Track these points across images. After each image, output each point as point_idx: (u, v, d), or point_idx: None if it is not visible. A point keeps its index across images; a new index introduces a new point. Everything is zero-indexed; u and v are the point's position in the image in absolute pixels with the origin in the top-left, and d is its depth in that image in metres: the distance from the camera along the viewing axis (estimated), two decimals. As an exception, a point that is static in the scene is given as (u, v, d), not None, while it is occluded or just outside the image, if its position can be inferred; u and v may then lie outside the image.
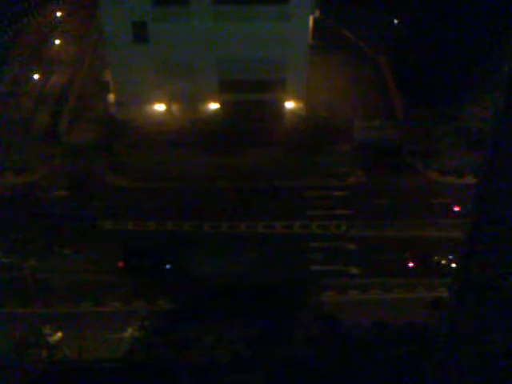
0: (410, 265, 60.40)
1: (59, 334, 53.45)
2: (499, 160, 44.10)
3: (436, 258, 60.06)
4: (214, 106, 76.95)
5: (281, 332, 56.08)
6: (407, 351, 54.12)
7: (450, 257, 59.26)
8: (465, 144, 69.81)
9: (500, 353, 49.85)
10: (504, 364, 50.80)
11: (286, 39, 72.39)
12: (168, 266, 60.71)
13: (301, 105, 76.73)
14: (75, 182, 68.39)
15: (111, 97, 76.24)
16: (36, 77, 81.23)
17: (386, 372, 52.82)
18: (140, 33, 71.71)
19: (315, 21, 72.83)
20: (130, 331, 54.78)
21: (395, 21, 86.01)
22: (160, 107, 76.41)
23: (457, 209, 63.60)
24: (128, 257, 60.66)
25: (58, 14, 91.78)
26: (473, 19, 75.70)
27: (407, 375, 52.06)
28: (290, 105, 76.88)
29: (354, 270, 60.63)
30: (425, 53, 77.48)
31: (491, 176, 45.05)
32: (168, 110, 76.53)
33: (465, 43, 75.24)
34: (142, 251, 61.67)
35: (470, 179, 65.42)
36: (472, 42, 74.11)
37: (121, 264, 60.27)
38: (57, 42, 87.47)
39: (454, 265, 57.67)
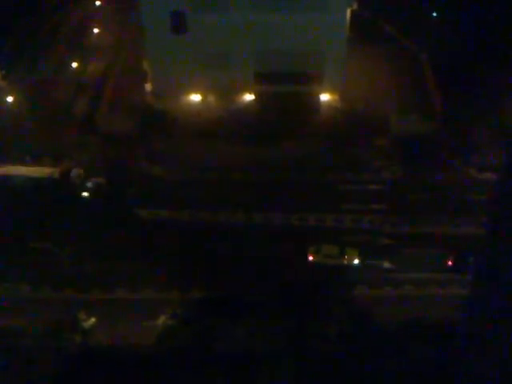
0: (449, 263, 59.94)
1: (93, 320, 54.27)
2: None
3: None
4: (250, 97, 76.99)
5: (313, 326, 56.04)
6: (441, 350, 53.77)
7: None
8: (504, 140, 68.67)
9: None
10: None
11: (323, 31, 72.04)
12: None
13: (337, 97, 76.35)
14: (112, 170, 69.14)
15: (149, 86, 76.73)
16: (74, 65, 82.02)
17: (418, 371, 52.58)
18: (178, 23, 71.91)
19: (353, 13, 72.26)
20: (162, 319, 55.34)
21: (434, 14, 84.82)
22: (197, 98, 76.68)
23: None
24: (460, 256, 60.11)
25: (97, 2, 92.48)
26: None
27: (440, 375, 51.79)
28: (326, 97, 76.55)
29: (388, 265, 60.36)
30: (466, 47, 76.34)
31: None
32: (205, 101, 76.77)
33: (507, 37, 74.00)
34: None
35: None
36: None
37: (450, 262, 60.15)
38: (95, 30, 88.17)
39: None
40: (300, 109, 75.23)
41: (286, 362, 52.76)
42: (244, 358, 53.16)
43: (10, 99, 76.71)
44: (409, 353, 53.82)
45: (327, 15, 71.36)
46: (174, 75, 74.25)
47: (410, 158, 69.68)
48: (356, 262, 60.68)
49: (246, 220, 64.73)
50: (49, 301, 56.55)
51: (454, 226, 63.11)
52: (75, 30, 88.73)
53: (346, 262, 60.60)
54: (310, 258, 61.08)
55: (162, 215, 65.00)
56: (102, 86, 79.68)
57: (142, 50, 75.65)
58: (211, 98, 77.06)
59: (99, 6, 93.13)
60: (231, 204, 65.62)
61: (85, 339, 52.09)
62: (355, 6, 72.13)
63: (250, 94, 76.86)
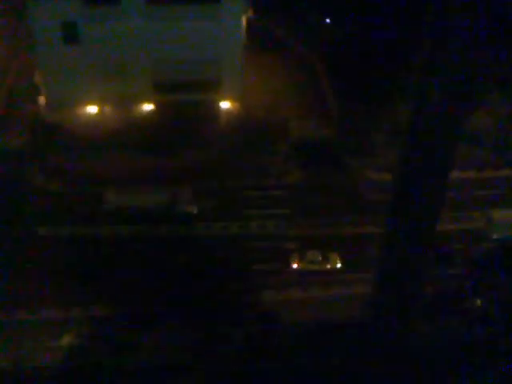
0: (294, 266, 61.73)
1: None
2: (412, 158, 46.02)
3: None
4: (148, 107, 75.96)
5: (221, 333, 56.14)
6: (349, 349, 55.08)
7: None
8: (399, 141, 70.83)
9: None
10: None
11: (219, 39, 71.97)
12: None
13: (236, 105, 76.54)
14: (6, 187, 66.49)
15: (42, 99, 74.27)
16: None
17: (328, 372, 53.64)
18: (70, 33, 69.95)
19: (249, 21, 72.79)
20: (67, 338, 53.87)
21: (327, 20, 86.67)
22: (93, 109, 74.87)
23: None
24: None
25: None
26: (400, 17, 76.82)
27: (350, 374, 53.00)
28: (225, 105, 76.56)
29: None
30: (357, 52, 78.39)
31: (406, 172, 46.95)
32: (101, 112, 75.13)
33: (394, 42, 76.45)
34: None
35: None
36: (401, 41, 75.30)
37: None
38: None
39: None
40: (199, 117, 74.99)
41: (197, 370, 52.84)
42: (154, 369, 52.79)
43: None
44: (318, 353, 54.92)
45: (222, 23, 71.48)
46: (68, 86, 71.99)
47: (308, 161, 70.78)
48: (339, 266, 61.44)
49: (145, 230, 63.96)
50: None
51: (354, 226, 64.91)
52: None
53: (329, 266, 61.25)
54: (295, 265, 61.14)
55: (61, 232, 63.17)
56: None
57: (34, 61, 73.24)
58: (108, 109, 75.51)
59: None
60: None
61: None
62: (250, 14, 72.70)
63: (149, 103, 75.90)
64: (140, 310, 57.12)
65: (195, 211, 65.87)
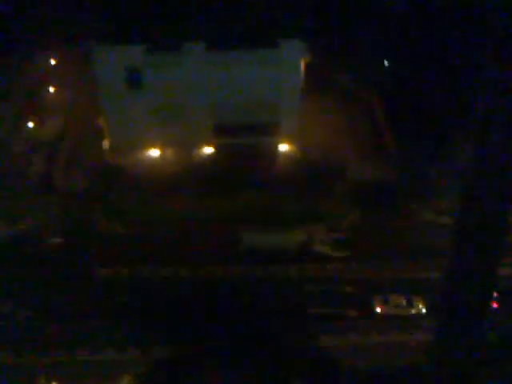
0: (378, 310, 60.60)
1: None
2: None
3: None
4: (208, 150, 77.18)
5: (279, 378, 55.52)
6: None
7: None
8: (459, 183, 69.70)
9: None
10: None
11: (277, 83, 73.18)
12: None
13: (295, 147, 77.08)
14: (70, 229, 68.08)
15: (106, 143, 76.47)
16: (30, 125, 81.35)
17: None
18: (134, 79, 72.38)
19: (307, 64, 73.57)
20: (126, 380, 54.18)
21: (386, 62, 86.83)
22: (155, 152, 76.56)
23: None
24: None
25: (52, 61, 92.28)
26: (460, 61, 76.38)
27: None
28: (284, 147, 77.22)
29: (353, 313, 60.24)
30: (416, 93, 78.02)
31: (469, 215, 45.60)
32: (163, 155, 76.65)
33: (456, 83, 75.84)
34: None
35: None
36: (464, 83, 74.68)
37: None
38: (51, 89, 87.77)
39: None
40: (258, 160, 75.66)
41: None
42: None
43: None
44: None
45: (281, 67, 72.57)
46: (131, 130, 74.29)
47: (368, 204, 70.25)
48: (423, 311, 60.57)
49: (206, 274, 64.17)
50: (7, 366, 54.75)
51: (415, 270, 63.64)
52: (30, 89, 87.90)
53: (414, 311, 60.47)
54: (378, 309, 60.61)
55: (121, 273, 64.11)
56: (58, 143, 78.99)
57: (98, 106, 75.49)
58: (170, 152, 77.01)
59: (54, 65, 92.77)
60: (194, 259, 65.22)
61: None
62: (308, 58, 73.48)
63: (209, 146, 77.07)
64: (197, 352, 57.02)
65: (330, 252, 65.86)
